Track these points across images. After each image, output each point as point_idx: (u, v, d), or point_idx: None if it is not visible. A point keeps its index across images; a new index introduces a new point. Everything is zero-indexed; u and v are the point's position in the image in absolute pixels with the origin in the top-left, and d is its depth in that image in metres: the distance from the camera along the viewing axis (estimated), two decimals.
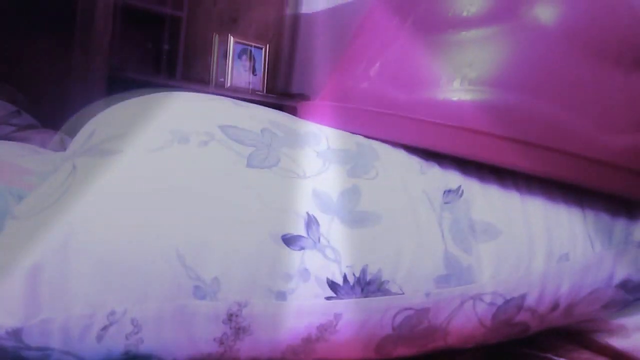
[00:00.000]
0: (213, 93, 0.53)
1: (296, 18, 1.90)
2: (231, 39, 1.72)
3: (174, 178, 0.37)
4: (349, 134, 0.48)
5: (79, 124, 0.48)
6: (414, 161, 0.45)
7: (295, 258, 0.37)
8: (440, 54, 0.53)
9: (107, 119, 0.44)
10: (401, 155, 0.46)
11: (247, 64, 1.77)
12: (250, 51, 1.77)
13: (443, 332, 0.41)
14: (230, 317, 0.36)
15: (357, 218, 0.39)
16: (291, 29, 1.89)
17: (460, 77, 0.49)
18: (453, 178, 0.44)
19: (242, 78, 1.76)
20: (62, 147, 0.98)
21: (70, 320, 0.34)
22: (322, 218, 0.38)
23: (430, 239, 0.40)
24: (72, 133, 0.50)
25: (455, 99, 0.49)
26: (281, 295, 0.36)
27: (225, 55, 1.71)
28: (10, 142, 0.83)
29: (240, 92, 1.67)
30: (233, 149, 0.40)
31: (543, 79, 0.48)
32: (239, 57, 1.76)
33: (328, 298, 0.37)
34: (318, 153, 0.43)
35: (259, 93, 1.73)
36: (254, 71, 1.80)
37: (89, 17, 1.41)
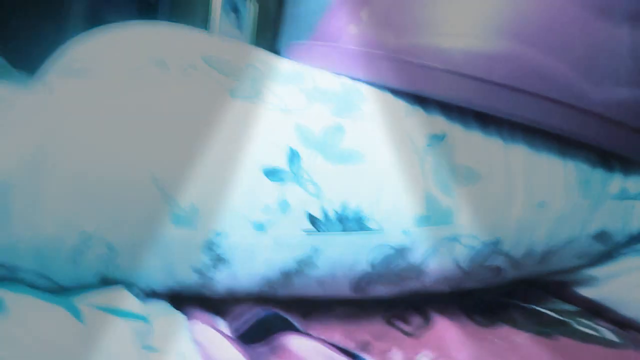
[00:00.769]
0: None
1: None
2: None
3: (153, 101, 0.36)
4: (335, 75, 0.47)
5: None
6: (400, 104, 0.45)
7: (276, 190, 0.37)
8: None
9: (84, 43, 0.42)
10: (387, 97, 0.45)
11: (234, 18, 1.72)
12: (236, 4, 1.72)
13: (420, 272, 0.41)
14: (210, 246, 0.36)
15: (339, 155, 0.39)
16: None
17: (451, 23, 0.49)
18: (437, 122, 0.44)
19: (228, 34, 1.72)
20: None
21: (39, 237, 0.33)
22: (304, 153, 0.38)
23: (412, 180, 0.40)
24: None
25: (446, 45, 0.48)
26: (260, 227, 0.36)
27: (208, 9, 1.66)
28: None
29: None
30: (215, 78, 0.39)
31: (536, 27, 0.47)
32: (225, 12, 1.71)
33: (307, 232, 0.37)
34: (302, 90, 0.42)
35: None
36: (240, 27, 1.76)
37: None
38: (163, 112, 0.36)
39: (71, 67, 0.38)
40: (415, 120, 0.44)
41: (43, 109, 0.35)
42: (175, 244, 0.35)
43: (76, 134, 0.34)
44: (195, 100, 0.37)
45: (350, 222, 0.38)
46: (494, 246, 0.42)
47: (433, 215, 0.40)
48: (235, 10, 1.72)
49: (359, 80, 0.48)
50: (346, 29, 0.58)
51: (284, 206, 0.36)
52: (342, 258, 0.38)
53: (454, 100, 0.44)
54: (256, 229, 0.36)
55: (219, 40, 0.46)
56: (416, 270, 0.41)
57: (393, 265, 0.40)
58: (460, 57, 0.47)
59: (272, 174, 0.37)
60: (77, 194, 0.33)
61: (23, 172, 0.33)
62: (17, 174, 0.32)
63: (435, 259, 0.41)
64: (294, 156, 0.38)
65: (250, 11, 1.73)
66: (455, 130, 0.44)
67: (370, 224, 0.38)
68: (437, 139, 0.43)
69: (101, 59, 0.38)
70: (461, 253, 0.41)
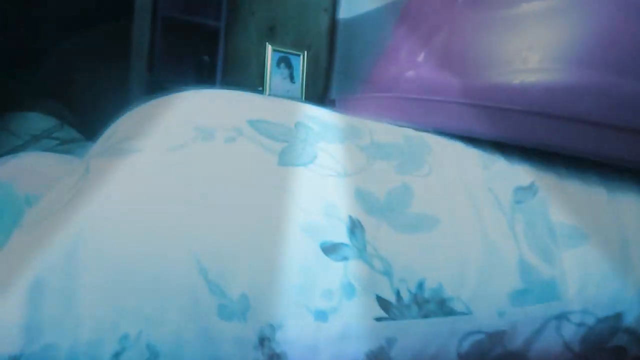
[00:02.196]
0: None
1: (334, 23, 1.86)
2: (269, 47, 1.69)
3: (196, 179, 0.32)
4: (395, 126, 0.42)
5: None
6: (474, 154, 0.38)
7: (337, 270, 0.31)
8: (498, 32, 0.46)
9: (129, 118, 0.40)
10: (458, 147, 0.39)
11: (285, 71, 1.74)
12: (289, 59, 1.74)
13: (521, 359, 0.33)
14: (263, 341, 0.30)
15: (409, 222, 0.33)
16: (329, 34, 1.85)
17: (523, 57, 0.42)
18: (523, 173, 0.37)
19: (280, 87, 1.73)
20: None
21: (77, 346, 0.29)
22: (368, 222, 0.32)
23: (501, 245, 0.33)
24: None
25: (521, 83, 0.42)
26: (322, 315, 0.30)
27: (263, 64, 1.69)
28: (47, 153, 0.81)
29: None
30: (263, 144, 0.35)
31: (620, 53, 0.40)
32: (277, 65, 1.73)
33: (378, 319, 0.31)
34: (361, 148, 0.37)
35: (298, 101, 1.69)
36: (292, 79, 1.77)
37: (129, 29, 1.42)
38: (206, 190, 0.31)
39: (110, 144, 0.35)
40: (496, 172, 0.37)
41: (78, 194, 0.32)
42: (224, 341, 0.30)
43: (111, 221, 0.30)
44: (242, 173, 0.33)
45: (429, 305, 0.31)
46: (614, 322, 0.34)
47: (533, 289, 0.32)
48: (288, 63, 1.73)
49: (423, 130, 0.42)
50: (403, 76, 0.53)
51: (349, 289, 0.31)
52: (423, 349, 0.31)
53: (539, 144, 0.38)
54: (317, 318, 0.30)
55: (266, 100, 0.42)
56: (516, 358, 0.33)
57: (487, 354, 0.32)
58: (539, 95, 0.40)
59: (331, 250, 0.31)
60: (115, 290, 0.29)
61: (56, 268, 0.29)
62: (49, 271, 0.29)
63: (539, 343, 0.33)
64: (355, 227, 0.32)
65: (301, 63, 1.74)
66: (547, 180, 0.37)
67: (455, 306, 0.31)
68: (526, 192, 0.36)
69: (142, 135, 0.35)
70: (572, 333, 0.33)
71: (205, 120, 0.36)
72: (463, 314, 0.31)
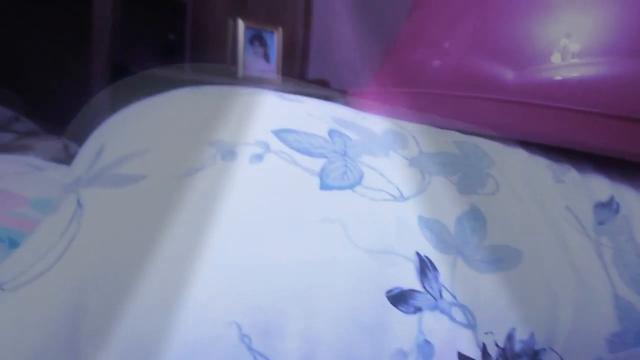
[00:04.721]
0: (227, 84, 0.40)
1: None
2: (241, 24, 1.58)
3: (224, 217, 0.25)
4: (439, 129, 0.36)
5: (82, 125, 0.36)
6: (541, 163, 0.33)
7: (410, 325, 0.25)
8: (535, 16, 0.41)
9: (119, 128, 0.32)
10: (521, 155, 0.33)
11: (259, 50, 1.64)
12: (262, 36, 1.64)
13: None
14: None
15: (488, 257, 0.27)
16: (305, 8, 1.76)
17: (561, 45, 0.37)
18: (599, 186, 0.32)
19: (255, 66, 1.63)
20: (67, 155, 0.87)
21: None
22: (440, 260, 0.26)
23: (593, 279, 0.28)
24: (76, 136, 0.38)
25: (559, 77, 0.36)
26: None
27: (234, 41, 1.58)
28: (6, 156, 0.71)
29: (255, 83, 1.54)
30: (298, 162, 0.28)
31: None
32: (251, 43, 1.62)
33: None
34: (410, 161, 0.31)
35: (275, 82, 1.60)
36: (266, 58, 1.67)
37: (87, 7, 1.29)
38: (238, 230, 0.25)
39: (102, 168, 0.28)
40: (571, 185, 0.32)
41: (73, 245, 0.24)
42: None
43: (123, 285, 0.23)
44: (278, 204, 0.26)
45: None
46: None
47: (631, 330, 0.27)
48: (261, 41, 1.63)
49: (471, 134, 0.36)
50: (428, 65, 0.47)
51: (426, 349, 0.25)
52: None
53: (614, 151, 0.32)
54: None
55: (282, 100, 0.35)
56: None
57: None
58: (601, 92, 0.35)
59: (401, 300, 0.25)
60: None
61: (54, 343, 0.22)
62: (45, 347, 0.22)
63: None
64: (426, 267, 0.26)
65: (276, 41, 1.64)
66: (625, 195, 0.32)
67: (549, 358, 0.26)
68: (608, 210, 0.31)
69: (141, 153, 0.28)
70: None
71: (219, 132, 0.29)
72: None
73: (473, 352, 0.25)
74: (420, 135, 0.34)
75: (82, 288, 0.23)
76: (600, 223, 0.30)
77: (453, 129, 0.36)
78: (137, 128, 0.30)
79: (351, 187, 0.28)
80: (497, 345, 0.25)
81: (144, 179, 0.26)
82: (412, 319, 0.25)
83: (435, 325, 0.25)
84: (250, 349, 0.23)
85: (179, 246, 0.24)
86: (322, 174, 0.28)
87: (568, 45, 0.38)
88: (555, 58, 0.38)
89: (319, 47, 1.74)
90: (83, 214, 0.25)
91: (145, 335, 0.22)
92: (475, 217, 0.28)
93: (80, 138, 0.36)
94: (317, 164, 0.28)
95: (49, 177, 0.49)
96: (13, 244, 0.35)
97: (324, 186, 0.27)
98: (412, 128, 0.35)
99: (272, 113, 0.32)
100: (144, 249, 0.24)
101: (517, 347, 0.25)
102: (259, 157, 0.28)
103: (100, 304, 0.22)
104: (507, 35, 0.42)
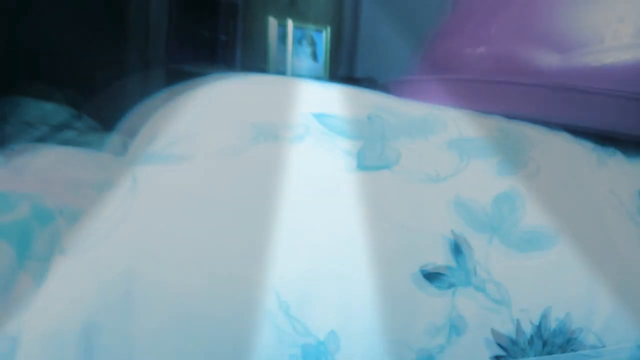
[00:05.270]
0: None
1: None
2: (290, 24, 1.61)
3: (266, 193, 0.26)
4: (481, 115, 0.36)
5: (137, 121, 0.39)
6: (586, 147, 0.32)
7: (444, 301, 0.25)
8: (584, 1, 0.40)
9: (170, 115, 0.34)
10: (564, 139, 0.33)
11: (308, 49, 1.66)
12: (311, 35, 1.66)
13: None
14: None
15: (525, 237, 0.27)
16: (353, 7, 1.77)
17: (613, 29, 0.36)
18: None
19: (303, 65, 1.66)
20: (125, 150, 0.92)
21: None
22: (476, 239, 0.27)
23: (635, 263, 0.27)
24: (131, 132, 0.41)
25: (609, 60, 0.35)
26: (426, 356, 0.25)
27: (284, 41, 1.61)
28: (66, 148, 0.77)
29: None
30: (337, 144, 0.29)
31: None
32: (299, 42, 1.65)
33: (496, 358, 0.25)
34: (449, 144, 0.31)
35: (323, 80, 1.62)
36: (314, 57, 1.69)
37: (144, 9, 1.35)
38: (280, 205, 0.26)
39: (154, 149, 0.30)
40: (615, 168, 0.31)
41: (128, 214, 0.26)
42: None
43: (168, 251, 0.25)
44: (318, 182, 0.27)
45: (556, 339, 0.26)
46: None
47: None
48: (310, 40, 1.66)
49: (513, 118, 0.36)
50: (472, 53, 0.46)
51: (459, 323, 0.25)
52: None
53: None
54: None
55: (325, 89, 0.36)
56: None
57: None
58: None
59: (435, 276, 0.26)
60: (181, 335, 0.24)
61: (111, 309, 0.24)
62: (104, 311, 0.24)
63: None
64: (460, 245, 0.26)
65: (324, 40, 1.66)
66: None
67: (586, 338, 0.26)
68: None
69: (189, 136, 0.30)
70: None
71: (260, 115, 0.31)
72: (595, 346, 0.26)
73: (507, 328, 0.25)
74: (461, 120, 0.34)
75: (135, 255, 0.25)
76: None
77: (496, 115, 0.36)
78: (187, 114, 0.32)
79: (388, 167, 0.29)
80: (531, 323, 0.25)
81: (191, 158, 0.28)
82: (446, 294, 0.25)
83: (469, 301, 0.25)
84: (287, 315, 0.24)
85: (224, 220, 0.26)
86: (359, 155, 0.29)
87: (620, 30, 0.37)
88: (607, 40, 0.37)
89: (367, 45, 1.74)
90: (137, 188, 0.27)
91: (191, 299, 0.24)
92: (514, 197, 0.28)
93: (134, 133, 0.39)
94: (355, 145, 0.29)
95: (108, 165, 0.52)
96: (74, 219, 0.38)
97: (361, 166, 0.28)
98: (453, 113, 0.35)
99: (314, 98, 0.33)
100: (192, 221, 0.25)
101: (553, 325, 0.25)
102: (300, 138, 0.29)
103: (151, 271, 0.24)
104: (554, 20, 0.41)
